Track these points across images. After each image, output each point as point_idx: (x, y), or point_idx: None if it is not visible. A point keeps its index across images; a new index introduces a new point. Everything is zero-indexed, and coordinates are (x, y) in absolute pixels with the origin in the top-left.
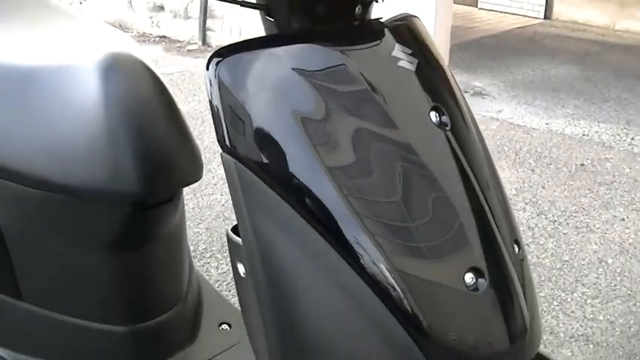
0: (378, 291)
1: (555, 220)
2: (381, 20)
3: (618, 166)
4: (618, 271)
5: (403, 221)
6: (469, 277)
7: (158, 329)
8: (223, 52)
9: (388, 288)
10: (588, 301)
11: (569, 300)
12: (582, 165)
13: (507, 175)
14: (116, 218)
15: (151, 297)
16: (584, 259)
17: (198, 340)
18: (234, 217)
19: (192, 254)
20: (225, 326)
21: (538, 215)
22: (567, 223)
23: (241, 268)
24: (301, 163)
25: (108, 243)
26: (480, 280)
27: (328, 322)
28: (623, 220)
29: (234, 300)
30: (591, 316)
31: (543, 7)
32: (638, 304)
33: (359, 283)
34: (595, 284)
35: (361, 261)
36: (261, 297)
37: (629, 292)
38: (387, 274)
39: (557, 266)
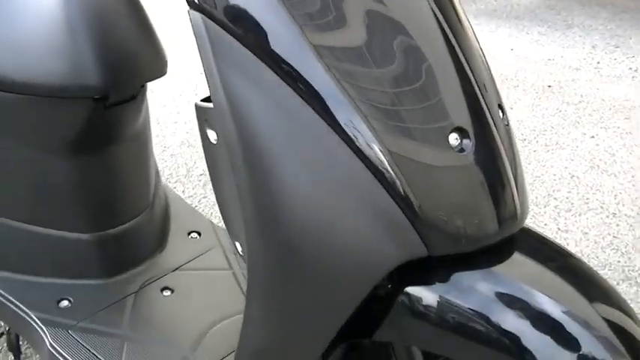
0: (364, 158)
1: (525, 139)
2: None
3: (585, 86)
4: (590, 185)
5: (384, 90)
6: (453, 138)
7: (125, 237)
8: None
9: (377, 163)
10: (561, 214)
11: (542, 213)
12: (549, 86)
13: None
14: (77, 117)
15: (117, 203)
16: (555, 175)
17: (167, 248)
18: (198, 143)
19: None
20: (194, 234)
21: None
22: (537, 141)
23: (212, 135)
24: (282, 37)
25: (70, 145)
26: (465, 141)
27: (307, 185)
28: (593, 137)
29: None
30: (565, 228)
31: None
32: (610, 216)
33: (341, 145)
34: (567, 198)
35: (341, 123)
36: (234, 161)
37: (601, 205)
38: (377, 148)
39: (530, 181)
